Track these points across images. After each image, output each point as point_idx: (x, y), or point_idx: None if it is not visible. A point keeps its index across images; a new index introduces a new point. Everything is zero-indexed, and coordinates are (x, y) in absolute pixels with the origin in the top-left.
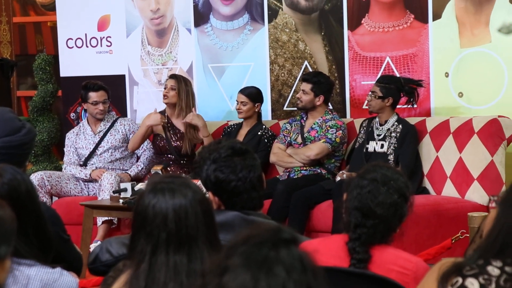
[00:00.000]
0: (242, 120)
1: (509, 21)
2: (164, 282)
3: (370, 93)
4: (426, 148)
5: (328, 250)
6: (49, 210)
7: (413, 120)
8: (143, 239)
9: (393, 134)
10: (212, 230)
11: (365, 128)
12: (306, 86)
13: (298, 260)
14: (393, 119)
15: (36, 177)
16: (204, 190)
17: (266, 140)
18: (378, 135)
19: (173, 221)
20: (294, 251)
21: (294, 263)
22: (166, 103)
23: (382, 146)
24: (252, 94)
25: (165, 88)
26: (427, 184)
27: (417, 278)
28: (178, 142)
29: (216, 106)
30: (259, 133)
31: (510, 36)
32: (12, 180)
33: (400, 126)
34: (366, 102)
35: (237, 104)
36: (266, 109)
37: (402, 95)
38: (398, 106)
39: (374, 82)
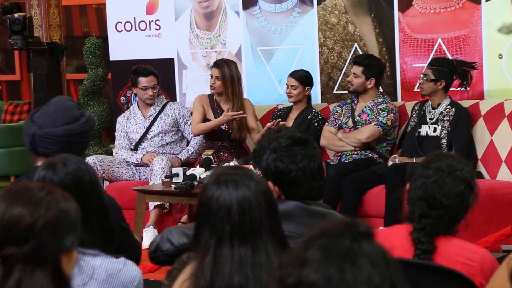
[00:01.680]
0: (291, 103)
1: None
2: (229, 275)
3: (422, 76)
4: (480, 132)
5: (391, 240)
6: (109, 199)
7: (466, 103)
8: (207, 231)
9: (446, 118)
10: (276, 222)
11: (417, 111)
12: (357, 69)
13: (381, 254)
14: (445, 103)
15: (88, 162)
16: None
17: (316, 124)
18: (431, 119)
19: (237, 213)
20: (376, 245)
21: (377, 256)
22: (213, 93)
23: (434, 129)
24: (302, 78)
25: (211, 78)
26: (481, 168)
27: (483, 270)
28: (227, 127)
29: (265, 89)
30: (309, 116)
31: None
32: (76, 170)
33: (453, 109)
34: (417, 85)
35: (287, 87)
36: (315, 92)
37: (455, 78)
38: (450, 89)
39: (425, 65)
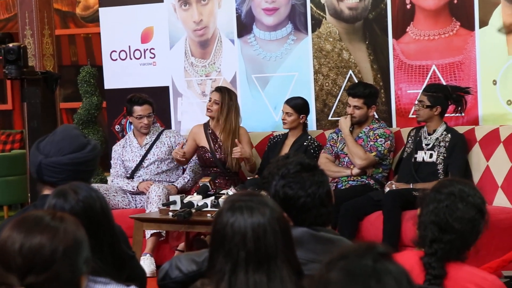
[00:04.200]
0: (287, 130)
1: None
2: None
3: (417, 102)
4: (476, 158)
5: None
6: (116, 227)
7: (461, 129)
8: (222, 258)
9: (442, 144)
10: (290, 248)
11: (413, 137)
12: (358, 101)
13: (404, 273)
14: (441, 128)
15: None
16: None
17: (312, 151)
18: (427, 145)
19: (252, 240)
20: (398, 264)
21: (401, 275)
22: (209, 117)
23: (431, 155)
24: (298, 106)
25: (209, 101)
26: None
27: None
28: (222, 155)
29: (260, 116)
30: (304, 143)
31: None
32: (87, 198)
33: (449, 135)
34: (412, 111)
35: (282, 114)
36: (311, 119)
37: (449, 103)
38: (446, 115)
39: (420, 91)
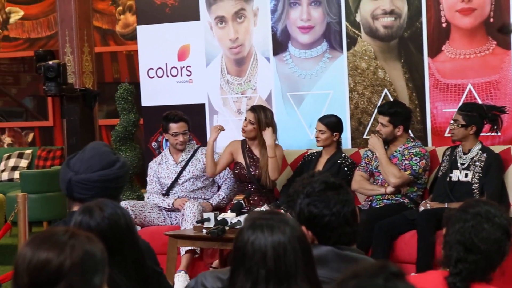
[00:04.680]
0: (322, 148)
1: None
2: None
3: (452, 121)
4: None
5: (427, 286)
6: (144, 243)
7: (497, 149)
8: (242, 276)
9: (477, 163)
10: (311, 267)
11: (448, 156)
12: (383, 119)
13: None
14: (477, 148)
15: None
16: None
17: (346, 169)
18: (462, 164)
19: (272, 258)
20: (409, 284)
21: None
22: (244, 137)
23: (466, 175)
24: (331, 124)
25: (244, 120)
26: None
27: None
28: (257, 171)
29: (295, 134)
30: (338, 161)
31: None
32: (113, 215)
33: (485, 154)
34: (448, 130)
35: (316, 132)
36: (346, 137)
37: (485, 123)
38: (481, 134)
39: (455, 110)
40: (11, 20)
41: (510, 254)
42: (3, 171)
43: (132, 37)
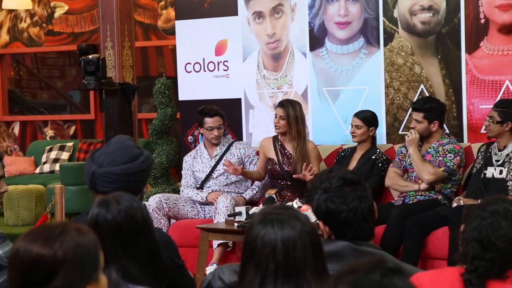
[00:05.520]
0: (356, 144)
1: None
2: None
3: (488, 118)
4: None
5: (443, 282)
6: (164, 237)
7: None
8: (252, 269)
9: None
10: (320, 262)
11: (483, 153)
12: (418, 115)
13: None
14: None
15: (154, 200)
16: (314, 218)
17: (380, 164)
18: (497, 161)
19: (282, 252)
20: (406, 280)
21: None
22: (278, 133)
23: (501, 172)
24: (367, 118)
25: (275, 117)
26: None
27: None
28: (290, 167)
29: (330, 130)
30: (373, 157)
31: None
32: (129, 208)
33: None
34: (484, 126)
35: (352, 127)
36: (381, 132)
37: None
38: None
39: (492, 106)
40: (56, 15)
41: None
42: (45, 163)
43: (173, 32)
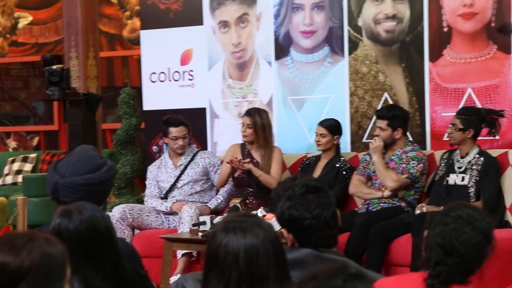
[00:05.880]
0: (320, 152)
1: None
2: None
3: (450, 125)
4: (509, 181)
5: (406, 287)
6: (127, 246)
7: (495, 152)
8: (215, 278)
9: (474, 167)
10: (283, 270)
11: (445, 160)
12: (382, 123)
13: None
14: (474, 152)
15: (118, 210)
16: (279, 226)
17: (344, 172)
18: (459, 168)
19: (244, 260)
20: (368, 285)
21: None
22: (245, 142)
23: (463, 179)
24: (331, 126)
25: (242, 126)
26: (509, 218)
27: None
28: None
29: (295, 138)
30: (337, 165)
31: None
32: (91, 218)
33: (482, 158)
34: (446, 134)
35: (316, 136)
36: (345, 141)
37: (483, 127)
38: (480, 138)
39: (454, 114)
40: (20, 25)
41: (490, 258)
42: (7, 175)
43: (138, 41)
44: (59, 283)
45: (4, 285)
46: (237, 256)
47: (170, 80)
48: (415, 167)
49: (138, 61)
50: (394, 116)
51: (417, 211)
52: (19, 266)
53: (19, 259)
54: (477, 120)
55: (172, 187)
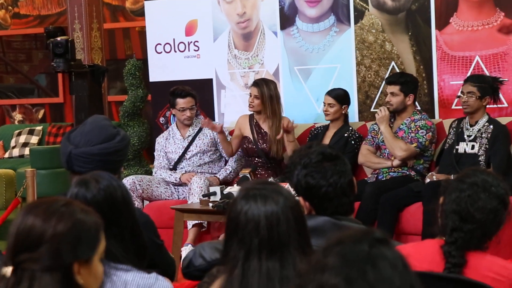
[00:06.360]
0: (329, 122)
1: None
2: None
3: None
4: None
5: (422, 254)
6: (143, 216)
7: (504, 120)
8: (235, 245)
9: (483, 135)
10: (304, 236)
11: (454, 129)
12: (394, 88)
13: (400, 258)
14: (483, 120)
15: (128, 181)
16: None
17: (353, 142)
18: (469, 136)
19: (265, 227)
20: (394, 250)
21: (397, 260)
22: (252, 111)
23: (472, 147)
24: (340, 96)
25: (250, 96)
26: None
27: None
28: (265, 145)
29: (302, 108)
30: (345, 134)
31: None
32: (108, 187)
33: (491, 126)
34: (455, 102)
35: (324, 106)
36: (353, 110)
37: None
38: (488, 106)
39: (462, 82)
40: None
41: (506, 224)
42: (14, 147)
43: (141, 13)
44: (88, 252)
45: (27, 245)
46: (258, 223)
47: (175, 51)
48: (424, 136)
49: (140, 33)
50: (406, 81)
51: (427, 180)
52: (44, 231)
53: (46, 225)
54: (489, 87)
55: (181, 158)
